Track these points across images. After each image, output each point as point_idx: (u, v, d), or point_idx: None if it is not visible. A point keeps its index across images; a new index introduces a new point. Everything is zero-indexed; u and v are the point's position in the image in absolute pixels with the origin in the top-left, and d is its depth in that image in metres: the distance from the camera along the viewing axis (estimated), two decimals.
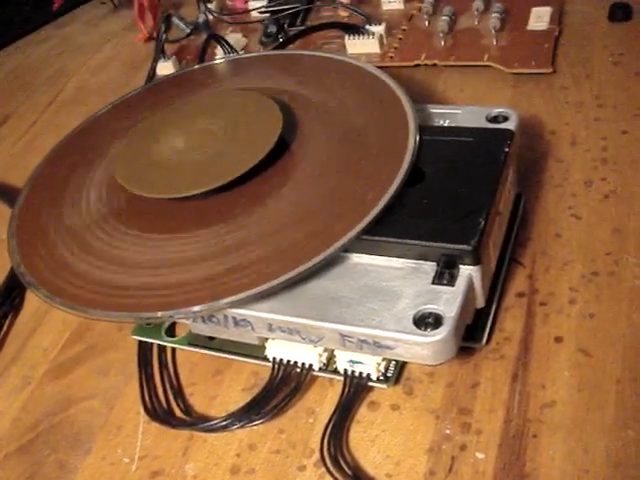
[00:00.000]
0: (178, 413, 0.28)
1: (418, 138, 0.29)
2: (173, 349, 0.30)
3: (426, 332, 0.24)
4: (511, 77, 0.41)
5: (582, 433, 0.24)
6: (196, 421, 0.27)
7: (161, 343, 0.30)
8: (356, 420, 0.26)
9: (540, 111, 0.38)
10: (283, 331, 0.26)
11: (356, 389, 0.26)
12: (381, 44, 0.45)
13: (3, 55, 0.57)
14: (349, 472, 0.24)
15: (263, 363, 0.28)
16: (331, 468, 0.25)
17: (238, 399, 0.27)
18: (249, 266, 0.26)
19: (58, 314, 0.32)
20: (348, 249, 0.27)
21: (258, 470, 0.25)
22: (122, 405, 0.28)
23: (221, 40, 0.46)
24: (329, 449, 0.25)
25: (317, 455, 0.25)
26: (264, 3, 0.51)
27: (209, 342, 0.29)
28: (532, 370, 0.26)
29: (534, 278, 0.29)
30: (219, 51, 0.46)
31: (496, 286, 0.29)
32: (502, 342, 0.27)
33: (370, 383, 0.26)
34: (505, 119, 0.31)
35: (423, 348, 0.24)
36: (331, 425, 0.26)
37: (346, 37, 0.45)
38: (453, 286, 0.25)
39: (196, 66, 0.41)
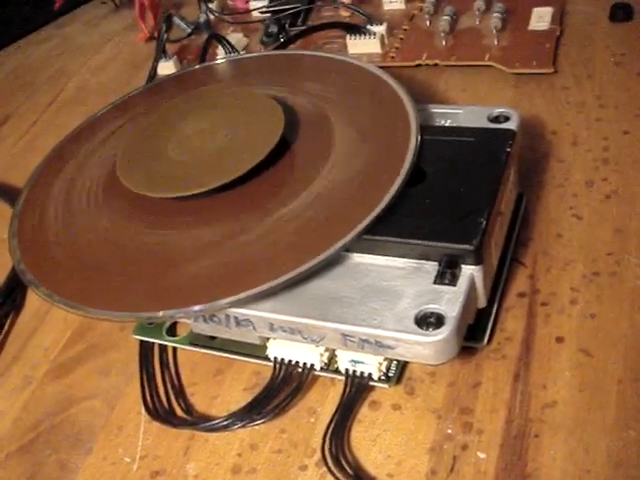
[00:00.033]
0: (179, 413, 0.28)
1: (419, 138, 0.29)
2: (174, 349, 0.30)
3: (428, 332, 0.24)
4: (512, 77, 0.41)
5: (583, 433, 0.24)
6: (197, 421, 0.27)
7: (162, 343, 0.30)
8: (357, 420, 0.26)
9: (541, 111, 0.38)
10: (285, 331, 0.26)
11: (357, 389, 0.26)
12: (382, 44, 0.45)
13: (4, 55, 0.57)
14: (350, 472, 0.24)
15: (264, 363, 0.28)
16: (332, 468, 0.25)
17: (239, 399, 0.27)
18: (250, 265, 0.26)
19: (59, 313, 0.32)
20: (349, 249, 0.27)
21: (259, 470, 0.25)
22: (123, 405, 0.28)
23: (222, 40, 0.46)
24: (330, 449, 0.25)
25: (318, 455, 0.25)
26: (265, 3, 0.51)
27: (210, 342, 0.29)
28: (533, 370, 0.26)
29: (535, 278, 0.29)
30: (220, 51, 0.47)
31: (497, 286, 0.29)
32: (503, 342, 0.27)
33: (371, 383, 0.26)
34: (506, 119, 0.31)
35: (425, 348, 0.24)
36: (332, 425, 0.26)
37: (347, 37, 0.45)
38: (455, 286, 0.25)
39: (197, 66, 0.41)
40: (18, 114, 0.49)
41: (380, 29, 0.45)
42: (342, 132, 0.31)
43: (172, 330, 0.30)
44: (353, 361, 0.26)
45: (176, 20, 0.51)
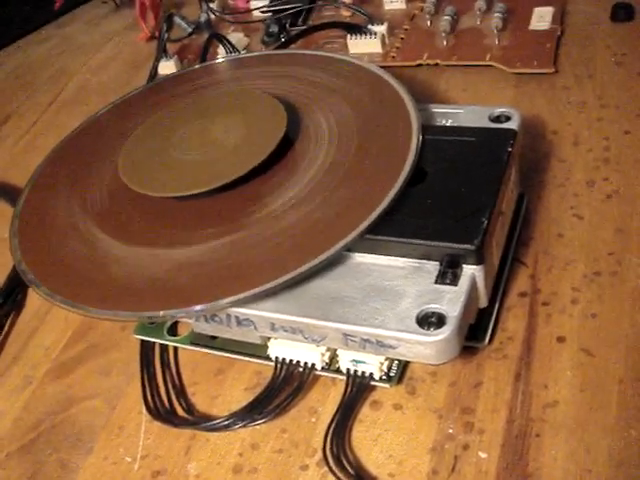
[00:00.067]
0: (180, 412, 0.28)
1: (421, 137, 0.29)
2: (175, 348, 0.30)
3: (429, 331, 0.24)
4: (513, 77, 0.41)
5: (584, 433, 0.24)
6: (198, 420, 0.27)
7: (163, 342, 0.30)
8: (359, 419, 0.26)
9: (542, 111, 0.38)
10: (286, 330, 0.26)
11: (359, 388, 0.26)
12: (383, 44, 0.45)
13: (4, 55, 0.57)
14: (352, 471, 0.24)
15: (265, 362, 0.28)
16: (334, 467, 0.25)
17: (240, 398, 0.27)
18: (252, 265, 0.26)
19: (60, 313, 0.32)
20: (351, 248, 0.27)
21: (260, 469, 0.25)
22: (124, 405, 0.28)
23: (223, 39, 0.46)
24: (332, 448, 0.25)
25: (320, 454, 0.25)
26: (266, 2, 0.51)
27: (211, 341, 0.29)
28: (535, 370, 0.26)
29: (536, 278, 0.29)
30: (221, 50, 0.46)
31: (499, 286, 0.29)
32: (505, 342, 0.27)
33: (373, 382, 0.26)
34: (507, 119, 0.31)
35: (426, 347, 0.24)
36: (334, 424, 0.26)
37: (348, 37, 0.45)
38: (456, 286, 0.25)
39: (198, 65, 0.41)
40: (19, 114, 0.49)
41: (381, 29, 0.45)
42: (344, 132, 0.31)
43: (173, 330, 0.30)
44: (354, 361, 0.26)
45: (177, 20, 0.51)
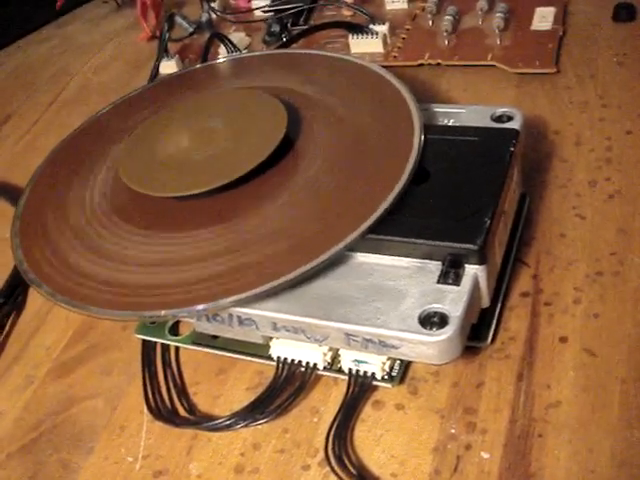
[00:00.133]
0: (182, 412, 0.28)
1: (423, 137, 0.29)
2: (177, 348, 0.30)
3: (431, 331, 0.24)
4: (515, 77, 0.41)
5: (587, 433, 0.24)
6: (200, 420, 0.27)
7: (165, 342, 0.30)
8: (361, 419, 0.26)
9: (544, 111, 0.38)
10: (288, 330, 0.26)
11: (361, 388, 0.26)
12: (385, 44, 0.45)
13: (4, 55, 0.57)
14: (354, 471, 0.24)
15: (267, 362, 0.28)
16: (335, 467, 0.24)
17: (242, 398, 0.27)
18: (253, 265, 0.26)
19: (61, 313, 0.32)
20: (353, 248, 0.27)
21: (262, 469, 0.25)
22: (125, 404, 0.28)
23: (224, 39, 0.46)
24: (333, 448, 0.25)
25: (321, 454, 0.25)
26: (267, 2, 0.51)
27: (213, 341, 0.29)
28: (537, 370, 0.26)
29: (539, 278, 0.29)
30: (222, 50, 0.46)
31: (501, 286, 0.29)
32: (507, 342, 0.27)
33: (375, 382, 0.26)
34: (510, 119, 0.31)
35: (428, 347, 0.24)
36: (335, 424, 0.26)
37: (349, 36, 0.45)
38: (459, 285, 0.25)
39: (199, 65, 0.41)
40: (19, 113, 0.49)
41: (382, 29, 0.45)
42: (345, 131, 0.31)
43: (174, 329, 0.30)
44: (356, 361, 0.26)
45: (178, 19, 0.51)
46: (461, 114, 0.32)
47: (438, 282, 0.25)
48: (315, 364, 0.27)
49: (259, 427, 0.26)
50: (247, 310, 0.26)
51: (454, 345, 0.24)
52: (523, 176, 0.31)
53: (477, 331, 0.27)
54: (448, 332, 0.24)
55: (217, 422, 0.26)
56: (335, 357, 0.27)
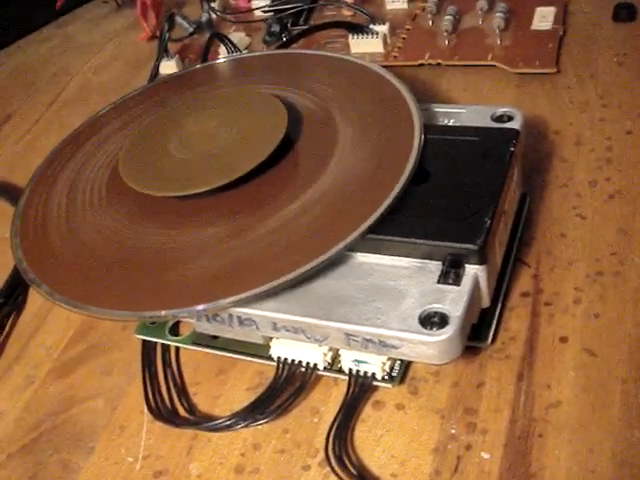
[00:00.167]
0: (182, 412, 0.28)
1: (423, 137, 0.29)
2: (177, 348, 0.30)
3: (432, 331, 0.24)
4: (515, 77, 0.41)
5: (587, 433, 0.24)
6: (200, 420, 0.27)
7: (165, 342, 0.30)
8: (361, 420, 0.26)
9: (544, 111, 0.38)
10: (288, 330, 0.26)
11: (361, 388, 0.26)
12: (385, 44, 0.45)
13: (4, 55, 0.57)
14: (354, 472, 0.24)
15: (267, 362, 0.28)
16: (336, 468, 0.24)
17: (242, 398, 0.27)
18: (253, 265, 0.26)
19: (61, 313, 0.32)
20: (353, 248, 0.27)
21: (262, 470, 0.25)
22: (125, 405, 0.28)
23: (224, 39, 0.46)
24: (334, 449, 0.25)
25: (322, 455, 0.25)
26: (267, 2, 0.51)
27: (213, 341, 0.29)
28: (537, 370, 0.26)
29: (539, 278, 0.29)
30: (222, 50, 0.46)
31: (501, 286, 0.29)
32: (507, 342, 0.27)
33: (375, 382, 0.26)
34: (510, 119, 0.31)
35: (429, 347, 0.24)
36: (336, 425, 0.26)
37: (350, 36, 0.45)
38: (459, 285, 0.25)
39: (199, 65, 0.41)
40: (19, 113, 0.49)
41: (383, 29, 0.45)
42: (345, 131, 0.31)
43: (175, 329, 0.30)
44: (356, 361, 0.26)
45: (178, 19, 0.51)
46: (461, 114, 0.32)
47: (438, 282, 0.25)
48: (315, 364, 0.27)
49: (259, 427, 0.26)
50: (247, 310, 0.26)
51: (454, 345, 0.24)
52: (523, 176, 0.31)
53: (477, 331, 0.27)
54: (448, 332, 0.24)
55: (217, 422, 0.26)
56: (335, 357, 0.27)
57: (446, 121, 0.32)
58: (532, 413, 0.25)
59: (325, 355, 0.27)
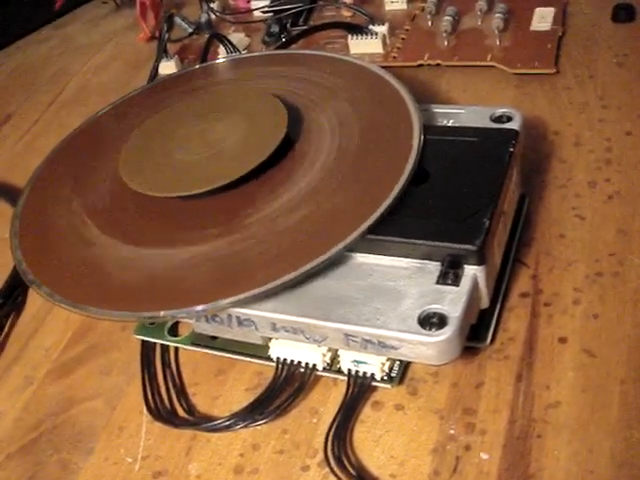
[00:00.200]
0: (181, 413, 0.28)
1: (422, 138, 0.29)
2: (176, 349, 0.30)
3: (431, 332, 0.24)
4: (514, 77, 0.41)
5: (586, 434, 0.24)
6: (199, 421, 0.27)
7: (164, 343, 0.30)
8: (360, 420, 0.26)
9: (543, 112, 0.38)
10: (287, 331, 0.26)
11: (360, 389, 0.26)
12: (384, 44, 0.45)
13: (4, 55, 0.57)
14: (353, 472, 0.24)
15: (267, 363, 0.28)
16: (335, 468, 0.24)
17: (241, 399, 0.27)
18: (253, 265, 0.26)
19: (60, 314, 0.32)
20: (352, 249, 0.27)
21: (262, 470, 0.25)
22: (125, 405, 0.28)
23: (224, 39, 0.46)
24: (333, 449, 0.25)
25: (321, 455, 0.25)
26: (267, 2, 0.51)
27: (212, 342, 0.29)
28: (536, 370, 0.26)
29: (538, 278, 0.29)
30: (222, 50, 0.46)
31: (500, 286, 0.29)
32: (506, 342, 0.27)
33: (374, 383, 0.26)
34: (509, 119, 0.31)
35: (428, 348, 0.24)
36: (335, 425, 0.26)
37: (349, 37, 0.45)
38: (458, 286, 0.25)
39: (198, 66, 0.41)
40: (19, 114, 0.49)
41: (382, 29, 0.45)
42: (345, 132, 0.31)
43: (174, 330, 0.30)
44: (356, 361, 0.26)
45: (177, 20, 0.51)
46: (460, 115, 0.32)
47: (437, 283, 0.25)
48: (314, 365, 0.27)
49: (258, 428, 0.26)
50: (246, 311, 0.26)
51: (453, 346, 0.24)
52: (522, 177, 0.31)
53: (476, 332, 0.27)
54: (447, 333, 0.24)
55: (216, 423, 0.26)
56: (334, 358, 0.27)
57: (445, 122, 0.32)
58: (531, 414, 0.25)
59: (324, 355, 0.27)
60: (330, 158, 0.30)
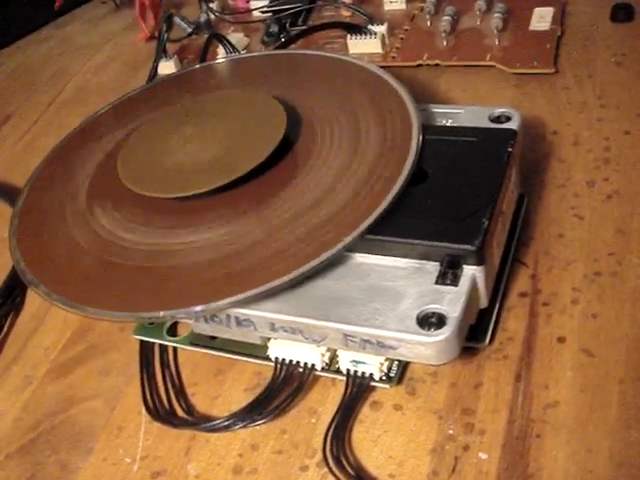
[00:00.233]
0: (180, 413, 0.28)
1: (421, 138, 0.29)
2: (175, 349, 0.30)
3: (429, 332, 0.24)
4: (513, 77, 0.41)
5: (585, 433, 0.24)
6: (198, 421, 0.27)
7: (163, 343, 0.30)
8: (359, 420, 0.26)
9: (542, 111, 0.38)
10: (286, 331, 0.26)
11: (359, 389, 0.26)
12: (383, 44, 0.45)
13: (4, 55, 0.57)
14: (352, 472, 0.24)
15: (265, 363, 0.28)
16: (333, 468, 0.24)
17: (240, 399, 0.27)
18: (252, 265, 0.26)
19: (59, 314, 0.32)
20: (352, 249, 0.27)
21: (260, 470, 0.25)
22: (124, 405, 0.28)
23: (223, 39, 0.46)
24: (331, 449, 0.25)
25: (319, 455, 0.25)
26: (266, 2, 0.51)
27: (211, 342, 0.29)
28: (535, 370, 0.26)
29: (537, 278, 0.29)
30: (221, 51, 0.46)
31: (499, 286, 0.29)
32: (505, 342, 0.27)
33: (373, 383, 0.26)
34: (508, 119, 0.31)
35: (426, 348, 0.24)
36: (333, 425, 0.26)
37: (348, 37, 0.45)
38: (456, 286, 0.25)
39: (197, 66, 0.41)
40: (18, 114, 0.49)
41: (381, 29, 0.45)
42: (344, 132, 0.31)
43: (173, 330, 0.30)
44: (354, 361, 0.26)
45: (177, 20, 0.51)
46: (459, 114, 0.32)
47: (436, 283, 0.25)
48: (313, 365, 0.27)
49: (257, 428, 0.26)
50: (245, 311, 0.26)
51: (452, 346, 0.24)
52: (521, 176, 0.31)
53: (475, 332, 0.27)
54: (446, 333, 0.24)
55: (215, 423, 0.26)
56: (333, 358, 0.27)
57: (444, 121, 0.32)
58: (530, 413, 0.25)
59: (323, 355, 0.27)
60: (329, 158, 0.30)
